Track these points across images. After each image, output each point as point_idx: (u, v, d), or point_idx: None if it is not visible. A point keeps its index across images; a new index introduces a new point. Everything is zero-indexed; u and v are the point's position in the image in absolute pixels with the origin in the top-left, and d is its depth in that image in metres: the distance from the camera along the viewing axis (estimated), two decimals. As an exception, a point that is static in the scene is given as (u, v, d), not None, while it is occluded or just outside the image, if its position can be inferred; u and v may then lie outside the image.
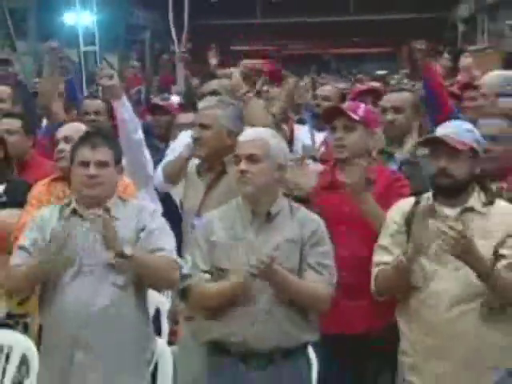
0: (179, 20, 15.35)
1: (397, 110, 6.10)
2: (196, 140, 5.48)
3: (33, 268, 4.59)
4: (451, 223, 4.41)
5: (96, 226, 4.56)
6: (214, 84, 6.90)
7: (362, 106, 5.44)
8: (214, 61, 9.55)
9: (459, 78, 9.41)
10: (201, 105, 5.81)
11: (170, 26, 15.18)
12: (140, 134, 6.28)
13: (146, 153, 6.35)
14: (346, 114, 5.26)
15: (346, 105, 5.57)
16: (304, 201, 5.02)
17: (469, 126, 4.85)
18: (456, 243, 4.39)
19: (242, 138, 4.82)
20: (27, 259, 4.64)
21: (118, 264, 4.58)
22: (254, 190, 4.66)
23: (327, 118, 5.44)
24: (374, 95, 7.55)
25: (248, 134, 4.86)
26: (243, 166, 4.67)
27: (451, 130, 4.73)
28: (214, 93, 6.52)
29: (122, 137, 6.08)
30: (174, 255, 4.74)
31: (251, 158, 4.67)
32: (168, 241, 4.77)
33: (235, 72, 6.76)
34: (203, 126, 5.46)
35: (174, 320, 5.67)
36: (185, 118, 7.75)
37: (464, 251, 4.41)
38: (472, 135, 4.71)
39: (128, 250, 4.54)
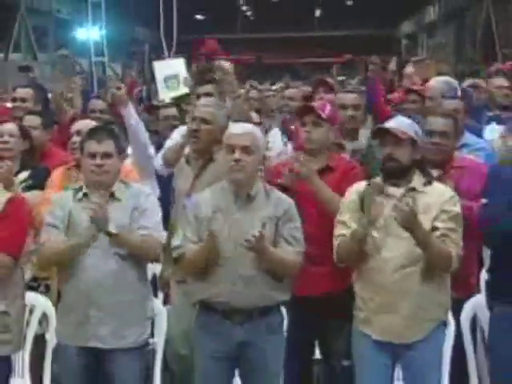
0: (171, 35, 15.39)
1: (355, 107, 6.17)
2: (194, 131, 5.48)
3: (72, 247, 4.64)
4: (405, 199, 4.49)
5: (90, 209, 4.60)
6: (208, 87, 6.93)
7: (328, 106, 5.43)
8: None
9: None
10: (201, 102, 5.78)
11: (162, 40, 15.23)
12: (145, 135, 6.29)
13: (151, 150, 6.37)
14: (315, 112, 5.29)
15: (315, 104, 5.56)
16: (285, 188, 5.03)
17: (409, 121, 4.92)
18: (406, 216, 4.46)
19: (235, 130, 4.81)
20: (58, 235, 4.68)
21: (112, 240, 4.64)
22: (245, 177, 4.70)
23: (299, 114, 5.44)
24: (327, 87, 7.63)
25: (241, 127, 4.85)
26: (238, 155, 4.67)
27: (395, 123, 4.80)
28: (208, 94, 6.52)
29: (130, 138, 6.08)
30: (158, 233, 4.80)
31: (245, 150, 4.68)
32: (155, 220, 4.81)
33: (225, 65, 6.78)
34: (203, 120, 5.47)
35: (163, 286, 5.67)
36: (167, 111, 7.91)
37: (411, 223, 4.47)
38: (412, 128, 4.77)
39: (114, 230, 4.60)
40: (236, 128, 4.86)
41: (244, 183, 4.71)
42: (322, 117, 5.28)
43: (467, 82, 8.94)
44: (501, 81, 8.05)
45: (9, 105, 8.18)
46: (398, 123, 4.80)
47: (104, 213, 4.59)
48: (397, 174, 4.71)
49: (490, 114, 7.60)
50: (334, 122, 5.43)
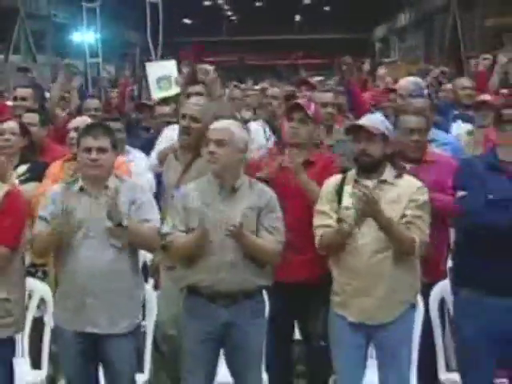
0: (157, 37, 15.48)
1: (333, 105, 6.22)
2: (185, 128, 5.49)
3: (49, 234, 4.61)
4: (364, 190, 4.50)
5: (105, 203, 4.59)
6: (198, 88, 6.95)
7: (313, 105, 5.47)
8: (185, 69, 9.52)
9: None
10: (191, 101, 5.78)
11: (149, 43, 15.28)
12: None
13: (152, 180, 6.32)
14: (304, 110, 5.31)
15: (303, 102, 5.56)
16: (266, 180, 5.04)
17: (380, 118, 4.94)
18: (365, 204, 4.49)
19: (212, 126, 4.84)
20: (46, 228, 4.65)
21: (114, 231, 4.60)
22: (219, 168, 4.70)
23: (288, 110, 5.45)
24: (309, 86, 7.66)
25: (218, 123, 4.86)
26: (212, 148, 4.71)
27: (368, 120, 4.81)
28: (198, 94, 6.51)
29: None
30: (158, 225, 4.78)
31: (218, 143, 4.70)
32: (154, 213, 4.80)
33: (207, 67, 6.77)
34: (193, 118, 5.48)
35: (154, 273, 5.68)
36: (161, 109, 7.94)
37: (371, 211, 4.50)
38: (383, 124, 4.78)
39: (125, 222, 4.58)
40: (214, 124, 4.87)
41: (222, 174, 4.71)
42: (309, 114, 5.31)
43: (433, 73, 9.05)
44: (465, 82, 8.12)
45: (9, 103, 8.20)
46: (371, 120, 4.81)
47: (117, 208, 4.57)
48: (369, 168, 4.72)
49: (456, 112, 7.64)
50: (318, 120, 5.47)
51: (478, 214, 4.53)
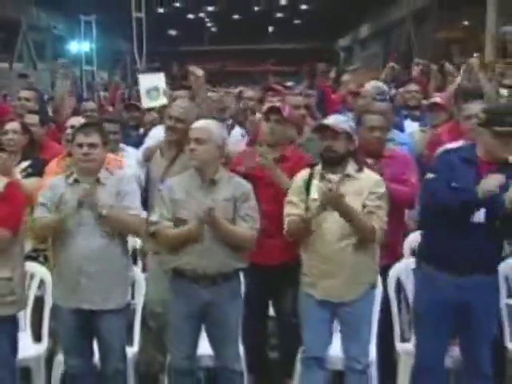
0: (146, 47, 15.49)
1: (304, 107, 6.25)
2: (170, 127, 5.48)
3: (55, 221, 4.61)
4: (328, 185, 4.50)
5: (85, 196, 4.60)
6: (182, 92, 6.89)
7: (287, 108, 5.47)
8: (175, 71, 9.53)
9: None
10: (176, 103, 5.76)
11: (135, 52, 15.29)
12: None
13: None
14: (280, 112, 5.31)
15: (279, 105, 5.54)
16: (244, 174, 5.03)
17: (344, 117, 4.92)
18: (328, 197, 4.49)
19: (193, 126, 4.83)
20: (47, 213, 4.64)
21: (100, 220, 4.61)
22: (199, 163, 4.70)
23: (266, 113, 5.43)
24: (274, 92, 7.66)
25: (197, 123, 4.85)
26: (192, 145, 4.70)
27: (332, 120, 4.79)
28: (182, 97, 6.48)
29: None
30: (140, 212, 4.79)
31: (198, 141, 4.68)
32: (137, 201, 4.80)
33: (198, 72, 6.74)
34: (177, 119, 5.46)
35: (142, 257, 5.65)
36: (152, 116, 7.96)
37: (333, 203, 4.50)
38: (346, 123, 4.76)
39: (104, 212, 4.58)
40: (195, 124, 4.86)
41: (202, 169, 4.69)
42: (284, 116, 5.31)
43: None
44: (412, 86, 8.21)
45: (14, 104, 8.19)
46: (335, 120, 4.79)
47: (92, 197, 4.58)
48: (334, 163, 4.71)
49: (405, 112, 7.68)
50: (292, 121, 5.46)
51: (437, 196, 4.50)
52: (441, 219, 4.53)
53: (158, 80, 9.24)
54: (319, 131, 4.81)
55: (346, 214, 4.54)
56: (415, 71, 9.39)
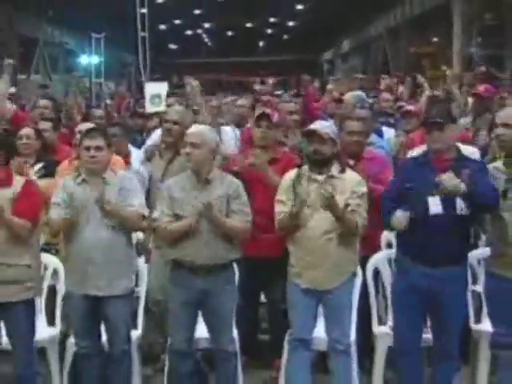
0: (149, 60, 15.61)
1: (295, 112, 6.27)
2: (167, 130, 5.44)
3: (67, 220, 4.60)
4: (325, 187, 4.49)
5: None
6: (171, 100, 6.85)
7: (276, 114, 5.47)
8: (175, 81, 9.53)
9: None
10: (173, 108, 5.75)
11: (140, 64, 15.43)
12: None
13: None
14: (269, 119, 5.30)
15: (269, 112, 5.53)
16: (237, 173, 5.01)
17: (328, 123, 4.92)
18: (326, 200, 4.46)
19: (188, 131, 4.79)
20: (60, 212, 4.61)
21: (104, 214, 4.59)
22: (195, 165, 4.66)
23: (257, 119, 5.40)
24: (262, 103, 7.65)
25: (193, 129, 4.82)
26: (188, 149, 4.66)
27: (319, 126, 4.75)
28: (172, 104, 6.46)
29: None
30: (141, 209, 4.71)
31: (193, 145, 4.64)
32: (138, 199, 4.74)
33: (193, 82, 6.72)
34: (174, 123, 5.42)
35: (145, 250, 5.55)
36: (154, 122, 7.94)
37: (329, 205, 4.48)
38: (331, 129, 4.75)
39: (108, 207, 4.55)
40: (190, 129, 4.83)
41: (197, 170, 4.65)
42: (274, 122, 5.31)
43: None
44: (387, 95, 8.30)
45: (33, 111, 8.24)
46: (322, 125, 4.76)
47: (102, 196, 4.55)
48: (321, 164, 4.67)
49: (382, 119, 7.68)
50: (281, 126, 5.46)
51: (398, 199, 4.53)
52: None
53: (161, 88, 9.29)
54: (307, 136, 4.77)
55: (337, 212, 4.51)
56: (382, 84, 9.44)
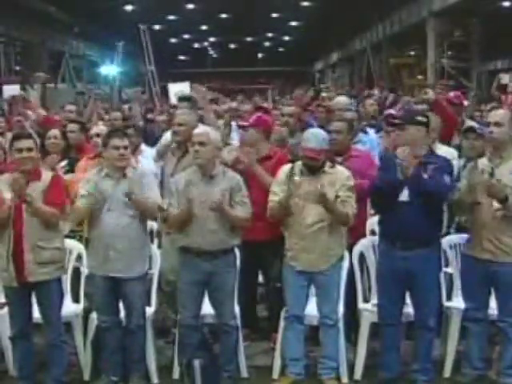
0: (160, 69, 15.81)
1: (291, 115, 6.24)
2: (176, 132, 5.39)
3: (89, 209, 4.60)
4: (319, 186, 4.48)
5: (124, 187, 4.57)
6: (183, 104, 6.83)
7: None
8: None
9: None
10: (178, 112, 5.67)
11: (154, 73, 15.62)
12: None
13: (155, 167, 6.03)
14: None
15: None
16: (240, 171, 4.97)
17: (324, 135, 4.77)
18: (320, 198, 4.47)
19: (196, 131, 4.76)
20: (86, 200, 4.60)
21: (129, 203, 4.56)
22: (203, 162, 4.62)
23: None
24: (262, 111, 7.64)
25: (199, 129, 4.81)
26: (196, 147, 4.62)
27: (316, 143, 4.65)
28: (175, 107, 6.45)
29: None
30: (158, 201, 4.67)
31: (200, 144, 4.61)
32: (154, 191, 4.72)
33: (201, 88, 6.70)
34: (180, 124, 5.37)
35: (157, 236, 5.55)
36: (160, 119, 8.12)
37: (322, 200, 4.49)
38: (325, 140, 4.70)
39: (132, 198, 4.53)
40: (196, 129, 4.80)
41: (203, 166, 4.62)
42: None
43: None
44: (371, 101, 8.39)
45: (57, 117, 8.31)
46: (318, 142, 4.66)
47: (131, 190, 4.55)
48: (313, 169, 4.68)
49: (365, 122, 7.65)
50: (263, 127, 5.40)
51: (373, 182, 4.62)
52: (378, 200, 4.62)
53: (185, 87, 9.43)
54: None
55: (329, 206, 4.51)
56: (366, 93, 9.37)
